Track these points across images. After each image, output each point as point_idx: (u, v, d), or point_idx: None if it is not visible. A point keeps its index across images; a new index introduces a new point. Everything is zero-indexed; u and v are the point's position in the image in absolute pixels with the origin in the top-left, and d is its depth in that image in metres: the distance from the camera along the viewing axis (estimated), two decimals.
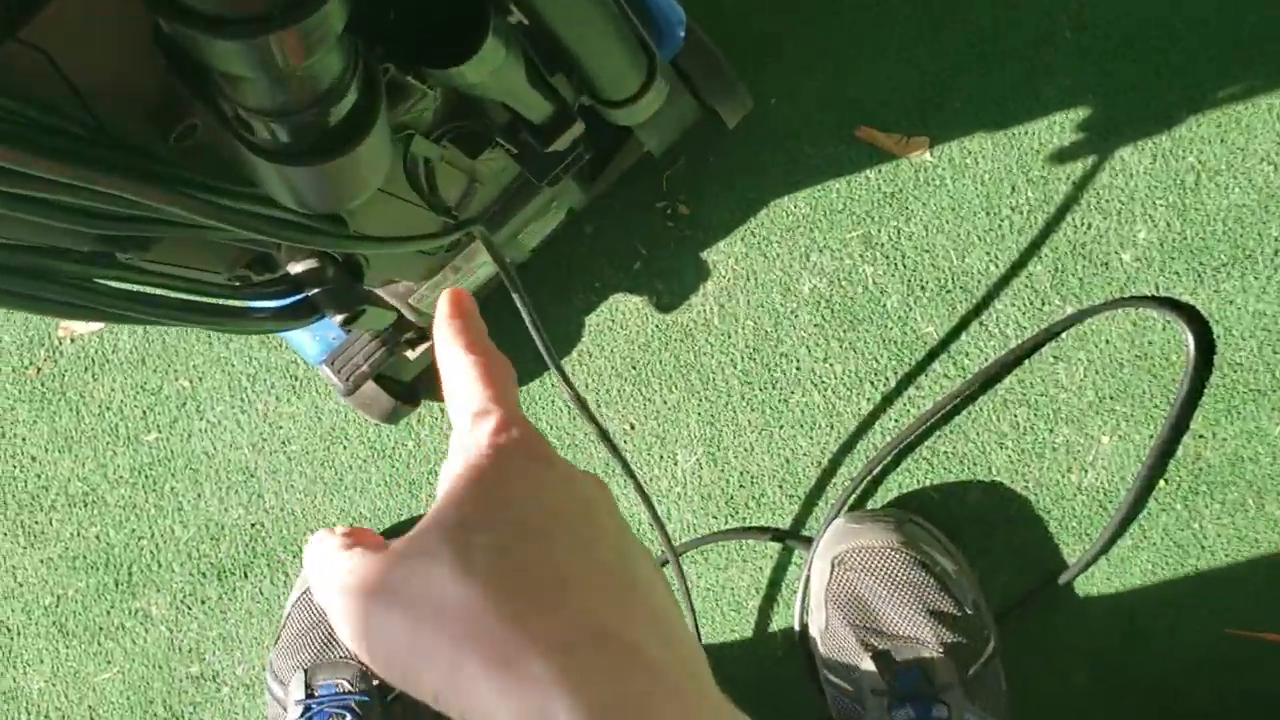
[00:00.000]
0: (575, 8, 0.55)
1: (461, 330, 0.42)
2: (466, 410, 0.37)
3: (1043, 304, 0.85)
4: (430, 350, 0.86)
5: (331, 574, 0.33)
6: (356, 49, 0.37)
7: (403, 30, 0.46)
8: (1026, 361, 0.85)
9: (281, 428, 0.94)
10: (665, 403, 0.90)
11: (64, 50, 0.34)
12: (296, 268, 0.62)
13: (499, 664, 0.28)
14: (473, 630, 0.29)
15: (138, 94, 0.39)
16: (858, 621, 0.82)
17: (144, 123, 0.41)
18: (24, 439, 0.96)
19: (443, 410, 0.92)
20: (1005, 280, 0.86)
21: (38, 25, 0.32)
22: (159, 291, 0.53)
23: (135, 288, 0.52)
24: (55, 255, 0.45)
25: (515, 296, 0.65)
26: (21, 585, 0.96)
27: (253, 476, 0.94)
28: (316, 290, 0.61)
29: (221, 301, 0.59)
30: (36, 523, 0.96)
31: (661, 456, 0.90)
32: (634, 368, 0.90)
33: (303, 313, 0.63)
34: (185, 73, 0.37)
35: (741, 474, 0.88)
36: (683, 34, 0.79)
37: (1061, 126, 0.85)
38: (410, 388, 0.89)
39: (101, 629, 0.95)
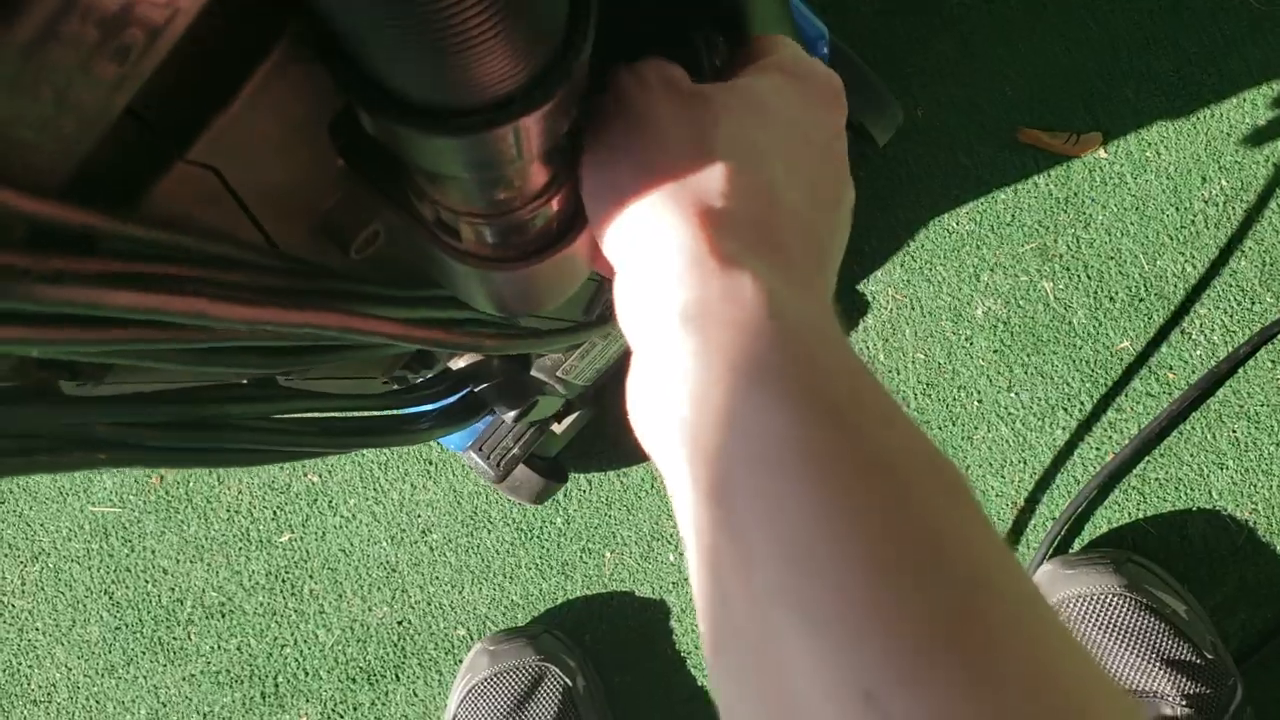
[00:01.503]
0: (769, 25, 0.48)
1: None
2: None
3: (1252, 304, 0.76)
4: (577, 420, 0.79)
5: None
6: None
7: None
8: (1240, 370, 0.76)
9: (420, 516, 0.88)
10: None
11: (233, 167, 0.28)
12: (458, 363, 0.56)
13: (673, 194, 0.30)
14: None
15: (308, 205, 0.33)
16: None
17: (316, 238, 0.34)
18: (153, 551, 0.92)
19: (590, 483, 0.85)
20: (1206, 281, 0.76)
21: (209, 140, 0.26)
22: (330, 416, 0.47)
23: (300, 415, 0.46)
24: (221, 395, 0.39)
25: None
26: (166, 706, 0.91)
27: (394, 571, 0.88)
28: (483, 386, 0.55)
29: (387, 413, 0.53)
30: (175, 638, 0.91)
31: None
32: None
33: (470, 412, 0.57)
34: (373, 175, 0.31)
35: None
36: (825, 50, 0.72)
37: (1253, 104, 0.76)
38: (556, 463, 0.83)
39: None
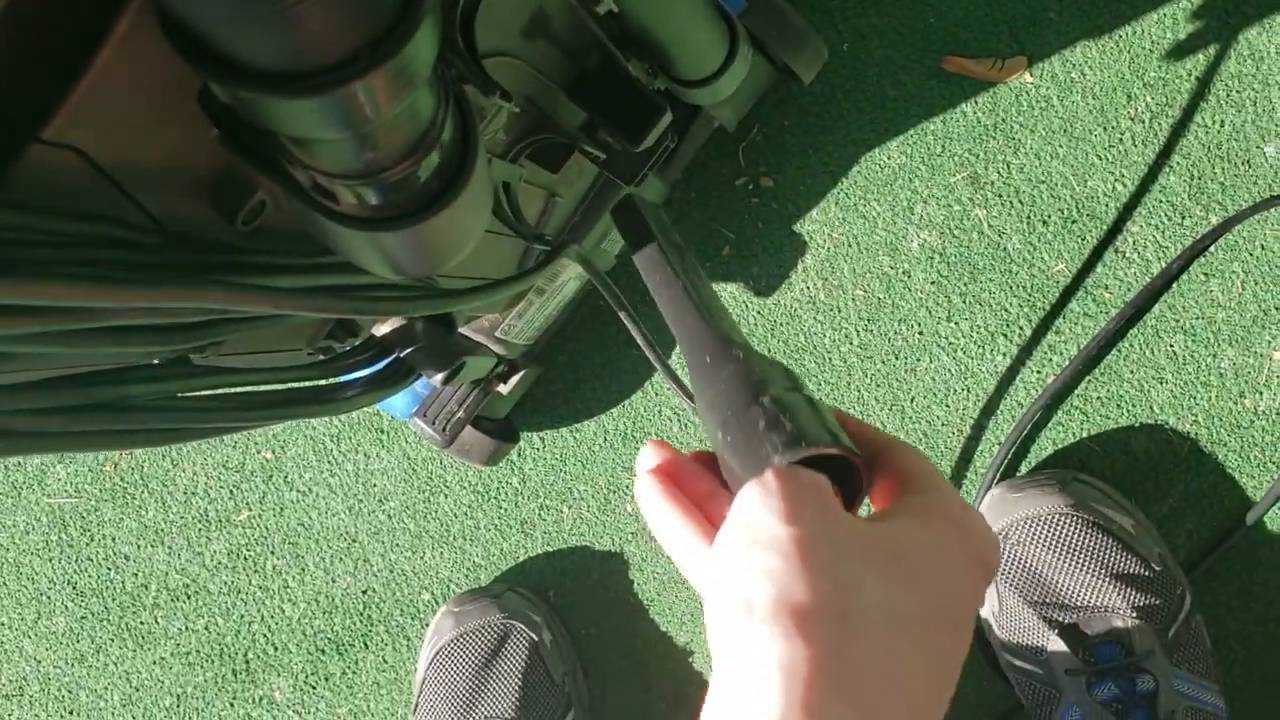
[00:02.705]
0: None
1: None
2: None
3: (1183, 218, 0.76)
4: (524, 379, 0.79)
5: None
6: (441, 74, 0.30)
7: None
8: (1175, 284, 0.77)
9: (376, 485, 0.88)
10: None
11: (99, 143, 0.28)
12: (382, 328, 0.55)
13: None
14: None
15: (188, 177, 0.33)
16: (1036, 598, 0.75)
17: (200, 208, 0.34)
18: (113, 538, 0.91)
19: (543, 441, 0.86)
20: (1136, 199, 0.77)
21: (62, 120, 0.26)
22: (246, 390, 0.47)
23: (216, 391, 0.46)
24: (122, 377, 0.39)
25: (621, 314, 0.58)
26: (138, 690, 0.91)
27: (355, 541, 0.88)
28: (409, 350, 0.55)
29: (311, 384, 0.52)
30: (142, 623, 0.91)
31: None
32: None
33: (398, 378, 0.56)
34: (245, 143, 0.30)
35: None
36: None
37: (1174, 18, 0.76)
38: (507, 424, 0.83)
39: None
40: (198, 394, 0.44)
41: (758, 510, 0.33)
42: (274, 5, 0.20)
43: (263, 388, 0.49)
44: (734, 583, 0.32)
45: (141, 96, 0.28)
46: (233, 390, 0.46)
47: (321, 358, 0.54)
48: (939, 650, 0.32)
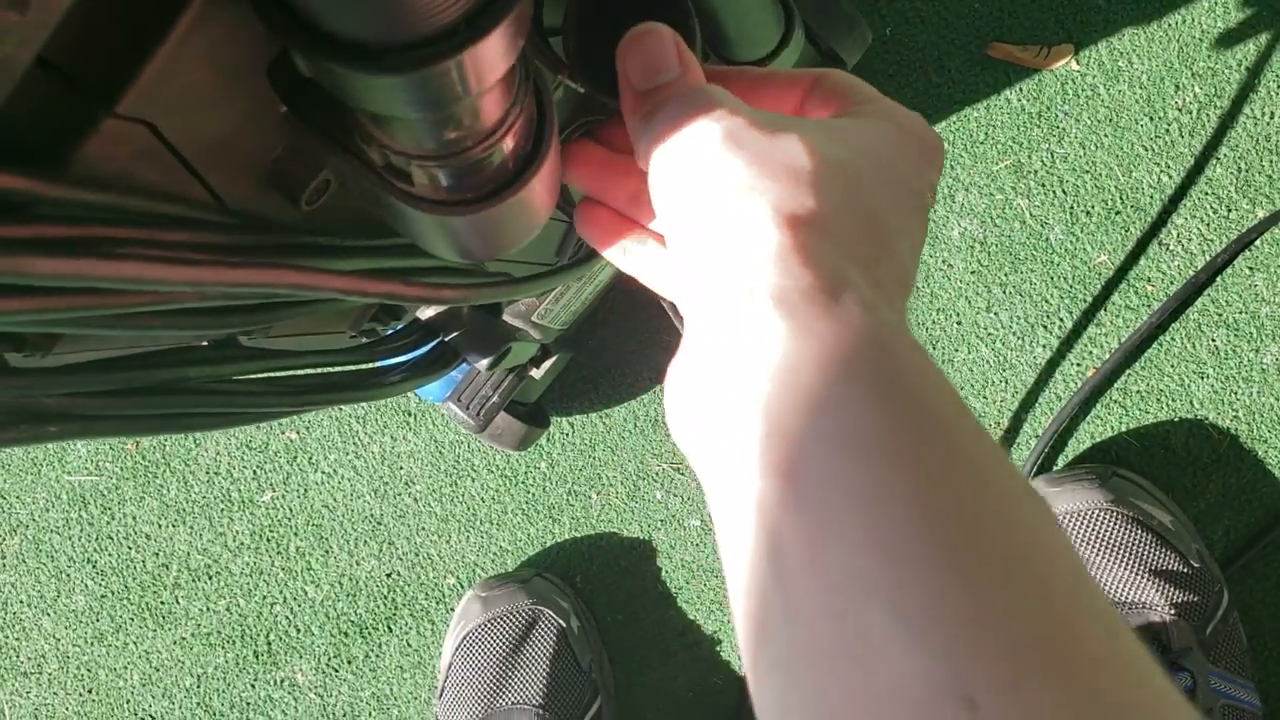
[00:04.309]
0: None
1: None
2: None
3: (1229, 211, 0.75)
4: (556, 363, 0.78)
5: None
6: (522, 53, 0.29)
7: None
8: (1219, 278, 0.76)
9: (402, 468, 0.87)
10: None
11: (170, 119, 0.27)
12: (428, 312, 0.54)
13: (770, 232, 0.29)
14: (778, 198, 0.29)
15: (252, 156, 0.32)
16: None
17: (262, 188, 0.33)
18: (134, 517, 0.91)
19: (573, 426, 0.85)
20: (1182, 191, 0.76)
21: (136, 93, 0.25)
22: (293, 374, 0.46)
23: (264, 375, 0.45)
24: (179, 358, 0.38)
25: (665, 304, 0.57)
26: (159, 670, 0.91)
27: (379, 524, 0.87)
28: (454, 335, 0.54)
29: (354, 368, 0.51)
30: (163, 603, 0.90)
31: None
32: None
33: (443, 362, 0.55)
34: (317, 120, 0.29)
35: None
36: None
37: (1224, 6, 0.75)
38: (538, 409, 0.82)
39: (249, 704, 0.90)
40: (249, 377, 0.43)
41: (678, 137, 0.32)
42: None
43: (308, 371, 0.48)
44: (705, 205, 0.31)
45: (213, 71, 0.27)
46: (281, 374, 0.45)
47: (365, 340, 0.53)
48: (906, 221, 0.32)
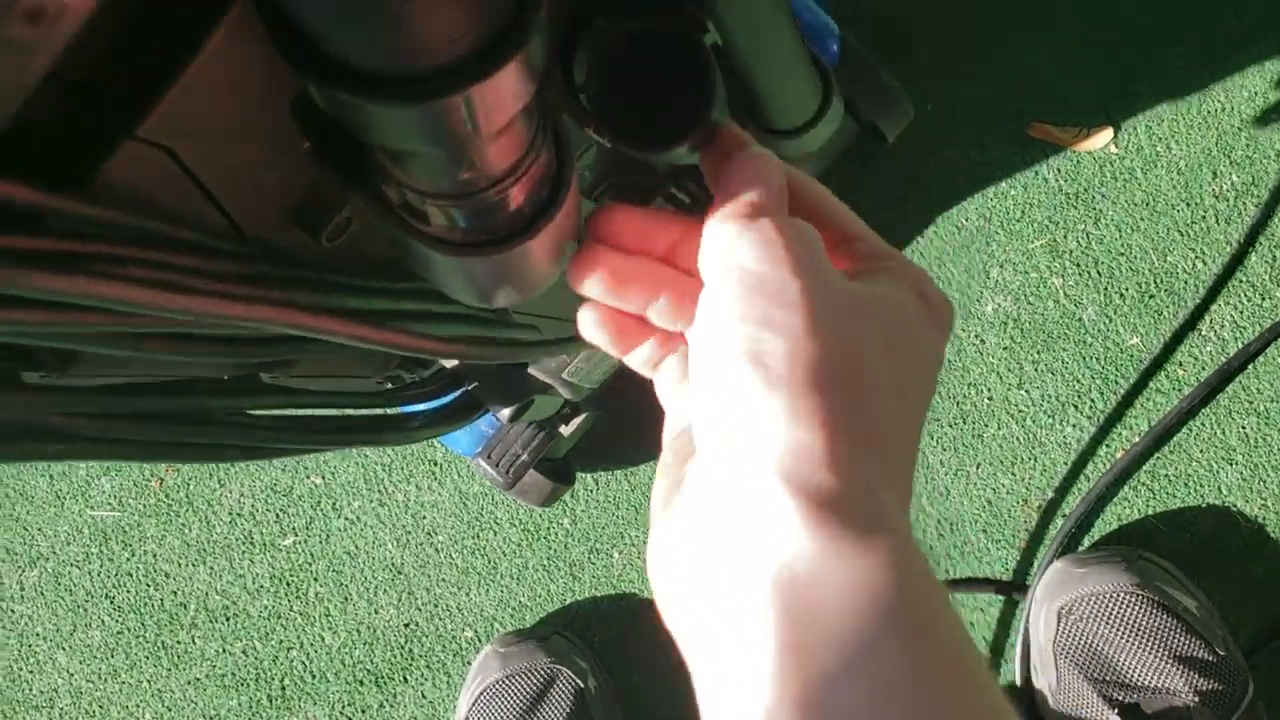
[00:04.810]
0: (766, 20, 0.47)
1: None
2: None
3: (1262, 299, 0.76)
4: (584, 421, 0.78)
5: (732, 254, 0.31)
6: (541, 100, 0.30)
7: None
8: (1250, 366, 0.76)
9: (425, 518, 0.87)
10: None
11: (190, 145, 0.27)
12: (453, 361, 0.55)
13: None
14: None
15: (274, 189, 0.32)
16: (1096, 675, 0.74)
17: (284, 222, 0.33)
18: (155, 555, 0.91)
19: (597, 483, 0.85)
20: (1217, 277, 0.76)
21: (157, 118, 0.25)
22: (312, 413, 0.46)
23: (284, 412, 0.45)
24: (196, 390, 0.38)
25: None
26: (170, 710, 0.90)
27: (400, 573, 0.87)
28: (478, 384, 0.54)
29: (378, 413, 0.52)
30: (178, 642, 0.90)
31: None
32: None
33: (465, 412, 0.56)
34: (338, 157, 0.30)
35: (940, 521, 0.80)
36: (836, 47, 0.71)
37: (1263, 98, 0.75)
38: (564, 465, 0.82)
39: None
40: (269, 413, 0.43)
41: (756, 255, 0.31)
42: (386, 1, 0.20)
43: (330, 412, 0.48)
44: (736, 334, 0.30)
45: (236, 101, 0.27)
46: (302, 412, 0.46)
47: (390, 386, 0.53)
48: (923, 410, 0.32)
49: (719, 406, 0.29)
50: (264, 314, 0.30)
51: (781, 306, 0.29)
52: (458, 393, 0.58)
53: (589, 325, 0.36)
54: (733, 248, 0.31)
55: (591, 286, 0.35)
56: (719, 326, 0.30)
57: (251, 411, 0.42)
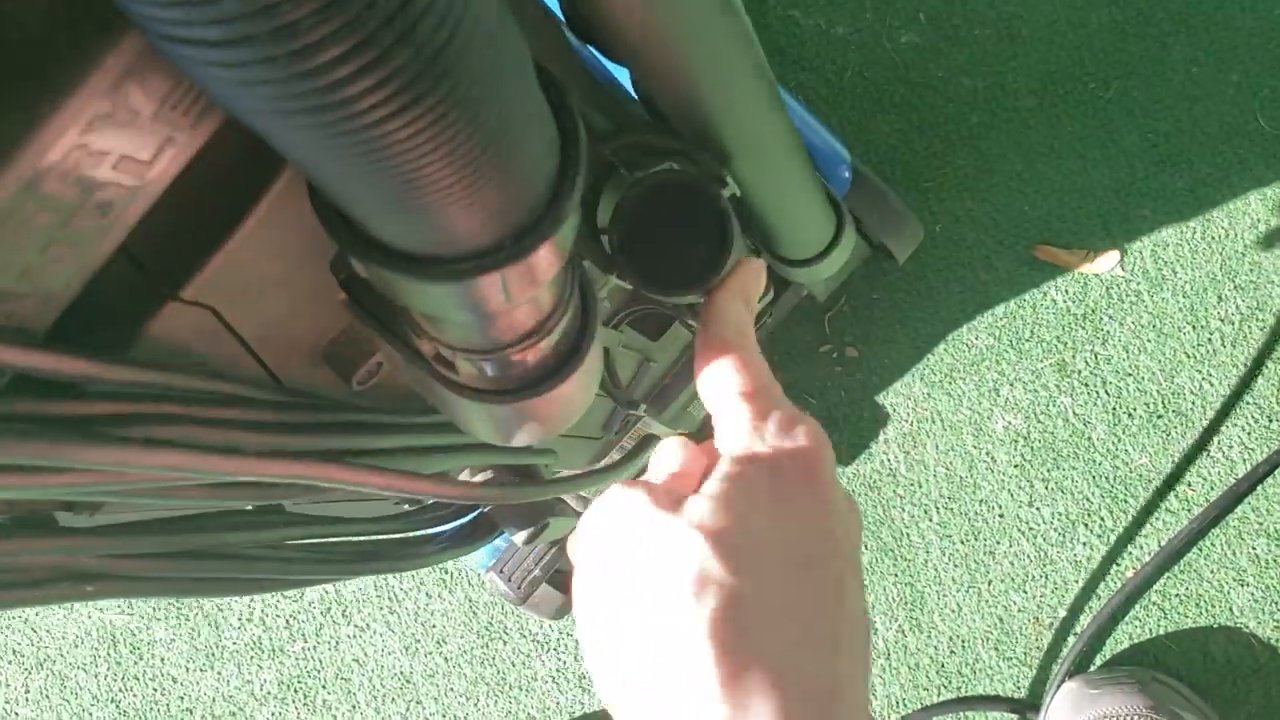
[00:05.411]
0: (781, 165, 0.49)
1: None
2: (733, 390, 0.34)
3: (1270, 421, 0.76)
4: None
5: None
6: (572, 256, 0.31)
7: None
8: (1259, 487, 0.76)
9: (435, 627, 0.87)
10: None
11: (232, 303, 0.28)
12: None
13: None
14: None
15: (309, 337, 0.33)
16: None
17: (316, 367, 0.34)
18: (163, 659, 0.90)
19: None
20: (1224, 400, 0.77)
21: (202, 281, 0.26)
22: (331, 542, 0.47)
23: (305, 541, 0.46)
24: (220, 523, 0.39)
25: None
26: None
27: (409, 682, 0.87)
28: (495, 507, 0.54)
29: (399, 536, 0.52)
30: None
31: None
32: None
33: (482, 533, 0.56)
34: (373, 310, 0.31)
35: (951, 639, 0.80)
36: (848, 174, 0.73)
37: (1266, 223, 0.77)
38: None
39: None
40: (288, 543, 0.44)
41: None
42: (431, 199, 0.21)
43: (347, 539, 0.49)
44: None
45: (276, 259, 0.28)
46: (319, 540, 0.46)
47: (407, 508, 0.54)
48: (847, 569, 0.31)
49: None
50: (305, 471, 0.30)
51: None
52: (473, 514, 0.58)
53: None
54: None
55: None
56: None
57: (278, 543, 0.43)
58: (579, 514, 0.73)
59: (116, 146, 0.20)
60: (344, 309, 0.31)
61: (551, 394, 0.33)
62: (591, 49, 0.37)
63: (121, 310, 0.27)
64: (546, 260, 0.25)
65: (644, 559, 0.30)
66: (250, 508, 0.41)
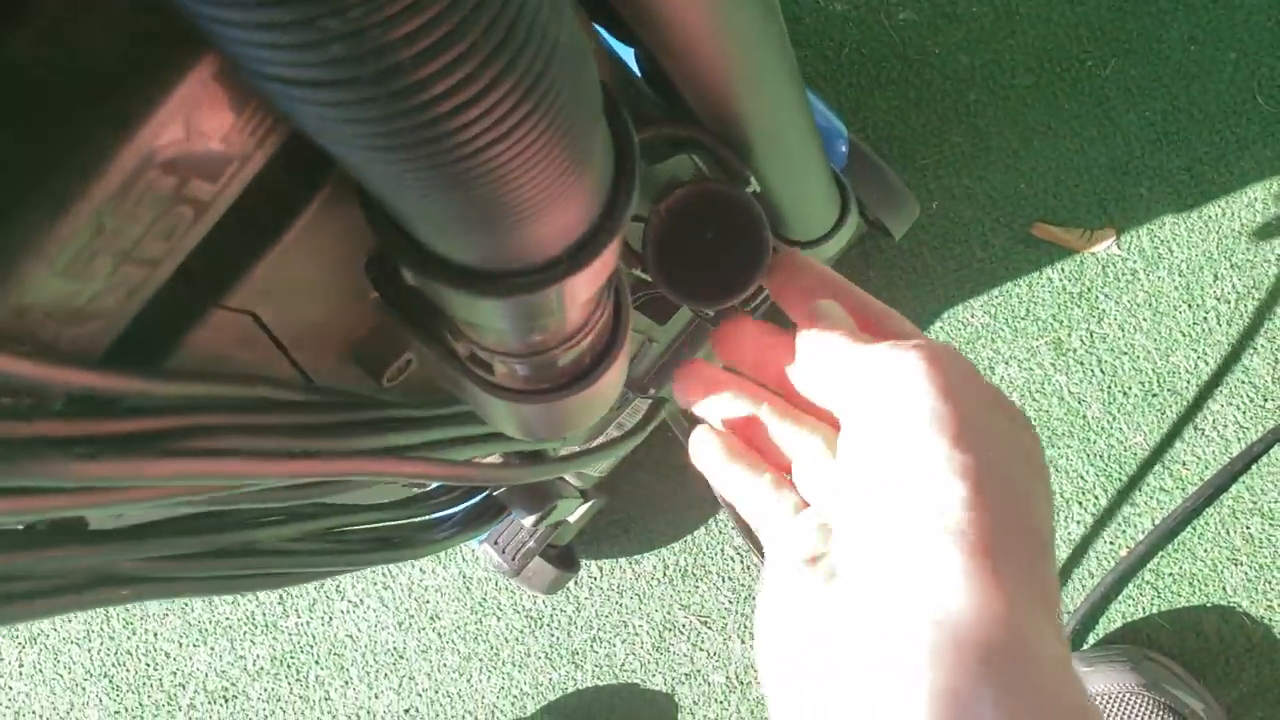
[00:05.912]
0: (800, 153, 0.49)
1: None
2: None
3: (1264, 400, 0.76)
4: (591, 508, 0.79)
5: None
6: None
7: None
8: (1254, 466, 0.76)
9: (429, 602, 0.87)
10: None
11: (272, 308, 0.28)
12: None
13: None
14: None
15: (342, 337, 0.33)
16: None
17: (346, 366, 0.34)
18: (155, 634, 0.90)
19: (601, 570, 0.85)
20: (1218, 378, 0.77)
21: (246, 288, 0.26)
22: (346, 531, 0.47)
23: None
24: (242, 523, 0.39)
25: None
26: None
27: (401, 658, 0.87)
28: (503, 489, 0.54)
29: (407, 521, 0.52)
30: None
31: None
32: None
33: (489, 516, 0.56)
34: (408, 312, 0.31)
35: None
36: (844, 148, 0.73)
37: (1263, 203, 0.77)
38: (569, 552, 0.82)
39: None
40: (308, 535, 0.44)
41: (909, 393, 0.30)
42: (512, 219, 0.21)
43: (361, 528, 0.49)
44: (908, 488, 0.28)
45: (318, 267, 0.28)
46: (334, 528, 0.46)
47: (416, 491, 0.54)
48: (1050, 501, 0.31)
49: (884, 551, 0.28)
50: (343, 468, 0.31)
51: (955, 452, 0.28)
52: (481, 496, 0.58)
53: (704, 454, 0.37)
54: (885, 384, 0.31)
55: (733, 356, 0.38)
56: (883, 473, 0.29)
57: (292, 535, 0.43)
58: (578, 494, 0.73)
59: (187, 169, 0.20)
60: (375, 308, 0.31)
61: (585, 392, 0.33)
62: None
63: (162, 320, 0.27)
64: (600, 270, 0.25)
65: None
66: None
